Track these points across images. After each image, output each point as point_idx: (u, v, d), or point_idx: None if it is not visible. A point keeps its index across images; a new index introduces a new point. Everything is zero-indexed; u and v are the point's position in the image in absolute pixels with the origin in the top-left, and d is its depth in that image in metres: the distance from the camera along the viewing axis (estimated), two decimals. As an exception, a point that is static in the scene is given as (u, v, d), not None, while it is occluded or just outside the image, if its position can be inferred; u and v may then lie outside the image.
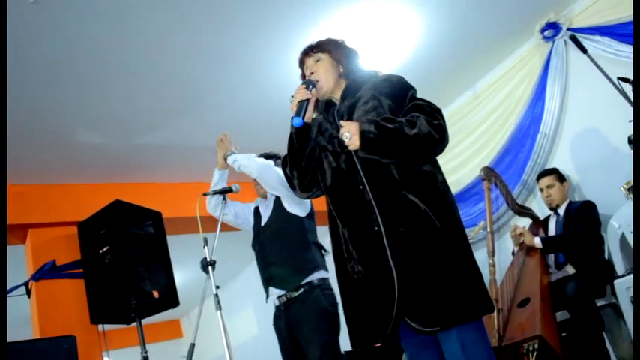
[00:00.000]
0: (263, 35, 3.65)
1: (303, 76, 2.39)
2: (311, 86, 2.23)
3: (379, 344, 2.10)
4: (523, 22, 4.43)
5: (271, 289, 3.23)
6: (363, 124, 2.02)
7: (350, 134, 2.02)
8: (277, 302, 3.22)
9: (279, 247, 3.23)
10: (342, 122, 2.10)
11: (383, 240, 2.00)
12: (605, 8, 4.10)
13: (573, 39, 3.34)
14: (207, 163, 4.97)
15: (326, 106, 2.33)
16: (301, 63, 2.40)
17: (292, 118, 2.17)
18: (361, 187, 2.08)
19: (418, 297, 1.93)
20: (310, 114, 2.23)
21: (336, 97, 2.31)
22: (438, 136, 2.02)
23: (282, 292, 3.17)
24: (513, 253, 4.13)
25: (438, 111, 2.10)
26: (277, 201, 3.33)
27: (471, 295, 1.93)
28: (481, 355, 1.94)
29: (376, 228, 2.02)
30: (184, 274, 6.94)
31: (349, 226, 2.13)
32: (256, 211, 3.54)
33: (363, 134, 2.00)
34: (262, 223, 3.38)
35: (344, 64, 2.32)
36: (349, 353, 4.39)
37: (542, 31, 4.45)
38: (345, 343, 2.81)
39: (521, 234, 3.89)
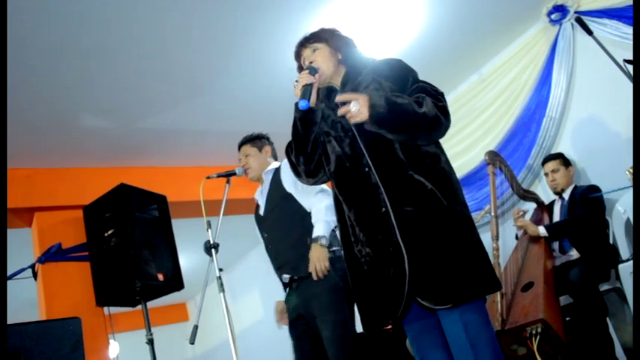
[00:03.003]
0: (270, 18, 3.63)
1: (300, 68, 2.39)
2: (314, 72, 2.23)
3: (390, 326, 2.10)
4: (530, 5, 4.38)
5: (284, 276, 3.20)
6: (373, 97, 2.01)
7: (359, 105, 2.01)
8: (287, 280, 3.18)
9: (284, 234, 3.19)
10: (349, 94, 2.08)
11: (391, 220, 2.01)
12: (614, -10, 4.04)
13: (579, 21, 3.31)
14: (212, 146, 5.01)
15: (327, 93, 2.33)
16: (298, 55, 2.40)
17: (297, 102, 2.17)
18: (367, 169, 2.09)
19: (429, 275, 1.94)
20: (315, 98, 2.22)
21: (336, 83, 2.32)
22: (443, 118, 2.04)
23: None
24: (517, 237, 4.12)
25: (442, 94, 2.11)
26: (273, 185, 3.29)
27: (481, 272, 1.95)
28: (484, 337, 1.95)
29: (383, 209, 2.03)
30: (191, 258, 6.96)
31: (355, 208, 2.14)
32: (256, 203, 3.50)
33: (373, 107, 1.99)
34: (262, 212, 3.34)
35: (342, 51, 2.32)
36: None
37: (550, 14, 4.40)
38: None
39: (522, 227, 3.88)
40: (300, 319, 3.13)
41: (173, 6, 3.30)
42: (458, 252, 1.94)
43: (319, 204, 3.04)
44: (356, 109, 2.01)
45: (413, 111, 1.99)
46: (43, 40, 3.27)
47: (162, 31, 3.49)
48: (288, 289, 3.24)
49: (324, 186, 3.04)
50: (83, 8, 3.11)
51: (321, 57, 2.30)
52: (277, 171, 3.32)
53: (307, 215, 3.13)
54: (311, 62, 2.30)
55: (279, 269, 3.22)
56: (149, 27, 3.42)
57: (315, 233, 2.95)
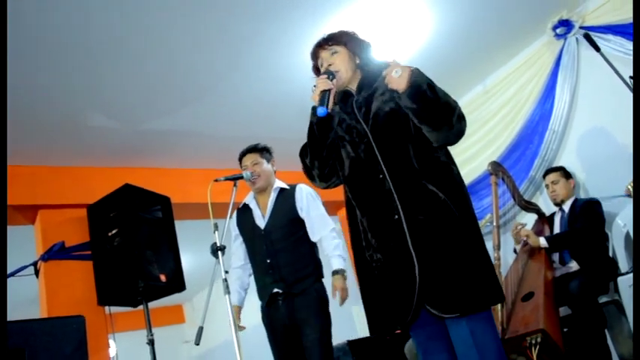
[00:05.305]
0: (278, 24, 3.67)
1: (316, 68, 2.40)
2: (332, 77, 2.22)
3: (399, 331, 2.14)
4: (535, 19, 4.43)
5: (275, 290, 3.29)
6: (416, 70, 2.04)
7: (401, 72, 2.03)
8: (271, 292, 3.29)
9: (290, 254, 3.30)
10: (396, 63, 2.09)
11: (403, 228, 2.03)
12: (619, 7, 4.08)
13: (587, 37, 3.33)
14: (216, 149, 5.03)
15: (343, 97, 2.34)
16: (314, 55, 2.39)
17: (316, 108, 2.17)
18: (381, 175, 2.11)
19: (438, 284, 1.97)
20: (332, 104, 2.22)
21: (353, 87, 2.32)
22: (463, 116, 2.10)
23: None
24: (515, 252, 4.14)
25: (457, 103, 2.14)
26: (282, 204, 3.38)
27: (487, 283, 1.98)
28: (490, 343, 1.98)
29: (396, 216, 2.05)
30: (188, 260, 6.96)
31: (368, 214, 2.16)
32: (245, 208, 3.52)
33: (414, 79, 2.01)
34: (261, 224, 3.39)
35: (360, 56, 2.32)
36: (351, 343, 4.43)
37: (555, 28, 4.45)
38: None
39: (526, 236, 3.91)
40: (284, 328, 3.29)
41: (182, 10, 3.33)
42: (467, 263, 1.97)
43: (335, 240, 3.32)
44: (397, 75, 2.03)
45: (448, 100, 2.05)
46: (50, 40, 3.30)
47: (170, 33, 3.52)
48: (268, 299, 3.34)
49: (335, 225, 3.41)
50: (91, 9, 3.14)
51: (339, 60, 2.29)
52: (288, 192, 3.43)
53: (310, 241, 3.37)
54: (329, 65, 2.29)
55: (272, 283, 3.30)
56: (157, 29, 3.45)
57: (338, 266, 3.29)
